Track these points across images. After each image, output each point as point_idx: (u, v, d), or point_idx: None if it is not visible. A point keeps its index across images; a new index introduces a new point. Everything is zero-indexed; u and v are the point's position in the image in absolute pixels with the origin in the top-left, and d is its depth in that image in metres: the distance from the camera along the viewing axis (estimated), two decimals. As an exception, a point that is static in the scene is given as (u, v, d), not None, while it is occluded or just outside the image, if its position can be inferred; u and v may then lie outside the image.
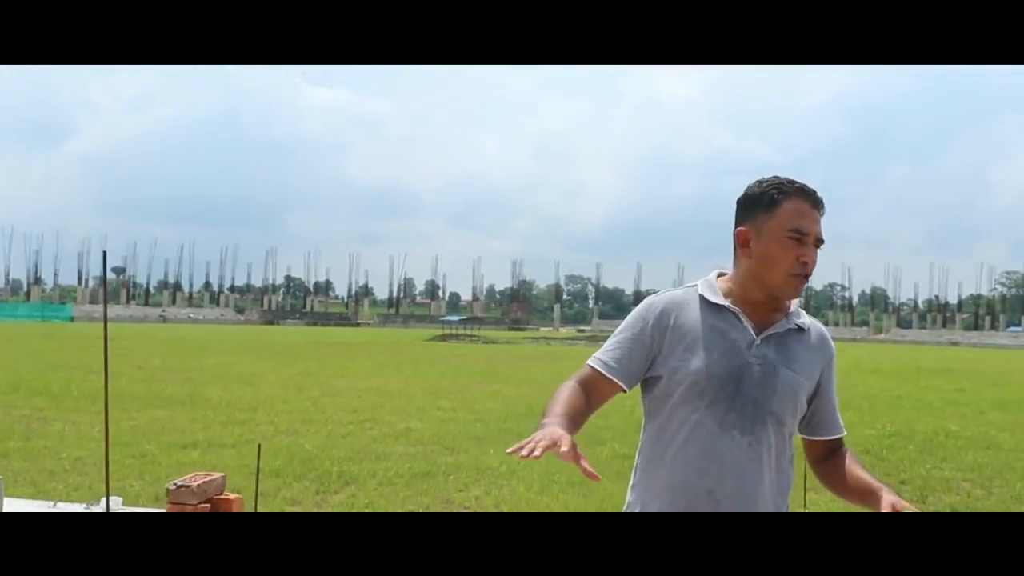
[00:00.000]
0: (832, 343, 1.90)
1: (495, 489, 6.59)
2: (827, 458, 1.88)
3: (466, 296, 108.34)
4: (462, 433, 9.44)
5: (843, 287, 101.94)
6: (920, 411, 13.00)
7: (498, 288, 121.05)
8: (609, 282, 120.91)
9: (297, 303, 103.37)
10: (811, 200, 1.77)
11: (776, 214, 1.75)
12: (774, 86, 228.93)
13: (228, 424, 9.63)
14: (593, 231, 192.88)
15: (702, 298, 1.82)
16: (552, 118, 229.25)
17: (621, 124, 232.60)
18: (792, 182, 1.78)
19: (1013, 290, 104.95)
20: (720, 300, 1.80)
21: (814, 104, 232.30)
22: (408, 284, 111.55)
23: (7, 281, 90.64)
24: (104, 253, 3.87)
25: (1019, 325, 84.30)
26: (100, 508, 4.40)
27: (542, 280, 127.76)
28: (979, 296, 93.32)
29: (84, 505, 5.00)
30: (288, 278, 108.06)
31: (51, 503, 5.12)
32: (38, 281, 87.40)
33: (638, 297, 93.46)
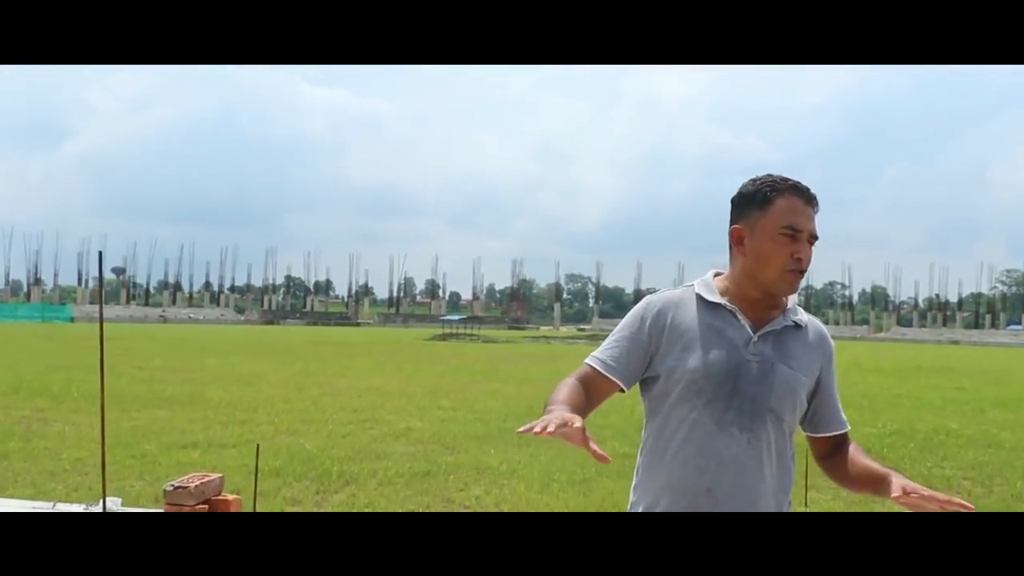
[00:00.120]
0: (830, 339, 1.90)
1: (495, 488, 6.59)
2: (833, 454, 1.88)
3: (466, 295, 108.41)
4: (462, 432, 9.43)
5: (843, 285, 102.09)
6: (921, 409, 12.99)
7: (498, 287, 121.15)
8: (609, 281, 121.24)
9: (297, 303, 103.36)
10: (804, 197, 1.77)
11: (770, 212, 1.76)
12: (773, 85, 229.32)
13: (228, 424, 9.63)
14: (593, 230, 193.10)
15: (699, 297, 1.82)
16: (552, 118, 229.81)
17: (620, 123, 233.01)
18: (785, 179, 1.79)
19: (1013, 288, 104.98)
20: (717, 299, 1.81)
21: (813, 103, 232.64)
22: (408, 284, 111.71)
23: (7, 282, 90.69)
24: (100, 253, 3.87)
25: (1019, 323, 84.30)
26: (99, 509, 4.39)
27: (542, 279, 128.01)
28: (979, 294, 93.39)
29: (83, 506, 4.99)
30: (288, 278, 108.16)
31: (50, 504, 5.12)
32: (38, 282, 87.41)
33: (638, 296, 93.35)
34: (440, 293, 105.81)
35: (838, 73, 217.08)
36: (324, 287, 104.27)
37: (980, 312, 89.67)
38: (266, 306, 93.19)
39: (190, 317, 79.43)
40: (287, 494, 6.20)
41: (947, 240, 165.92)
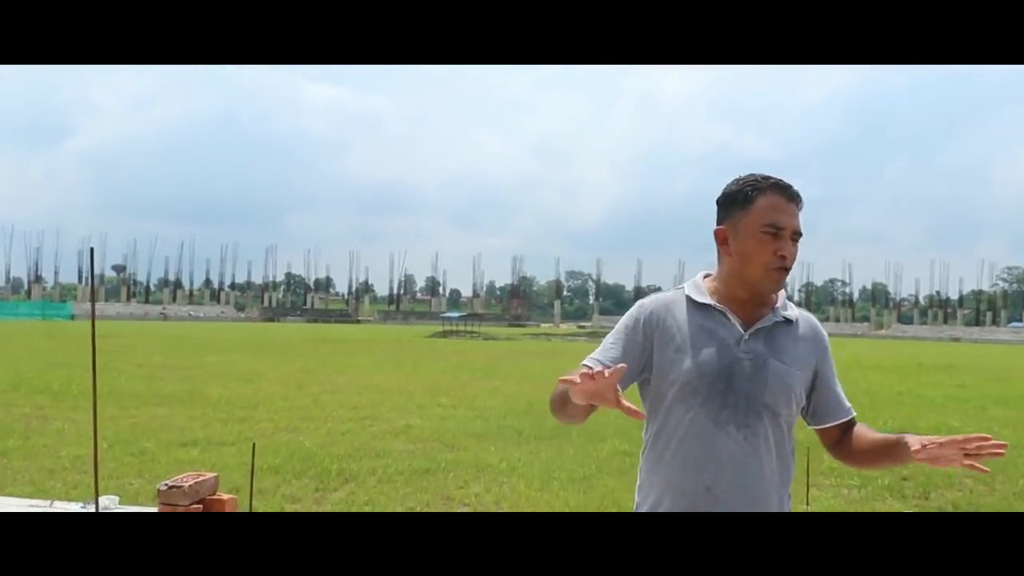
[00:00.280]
0: (823, 331, 1.92)
1: (495, 486, 6.58)
2: (843, 441, 1.89)
3: (467, 293, 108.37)
4: (462, 430, 9.43)
5: (844, 283, 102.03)
6: (922, 407, 12.98)
7: (498, 284, 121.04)
8: (610, 278, 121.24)
9: (298, 300, 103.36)
10: (786, 194, 1.78)
11: (751, 210, 1.77)
12: (774, 83, 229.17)
13: (228, 422, 9.62)
14: (593, 227, 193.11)
15: (689, 299, 1.84)
16: (552, 116, 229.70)
17: (620, 121, 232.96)
18: (767, 178, 1.79)
19: (1014, 286, 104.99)
20: (706, 299, 1.82)
21: (813, 100, 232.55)
22: (408, 281, 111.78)
23: (8, 279, 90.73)
24: (91, 250, 3.84)
25: (1020, 321, 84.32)
26: (95, 508, 4.38)
27: (542, 276, 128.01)
28: (980, 292, 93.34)
29: (80, 504, 4.99)
30: (288, 275, 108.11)
31: (48, 502, 5.12)
32: (39, 279, 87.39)
33: (639, 293, 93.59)
34: (440, 290, 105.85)
35: (839, 71, 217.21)
36: (324, 284, 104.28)
37: (981, 309, 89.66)
38: (266, 303, 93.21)
39: (190, 314, 79.44)
40: (286, 492, 6.19)
41: (948, 237, 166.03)
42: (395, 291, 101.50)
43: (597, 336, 47.31)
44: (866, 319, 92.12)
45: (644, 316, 1.84)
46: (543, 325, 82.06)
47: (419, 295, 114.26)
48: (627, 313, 1.89)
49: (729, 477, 1.73)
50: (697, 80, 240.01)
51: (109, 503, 4.89)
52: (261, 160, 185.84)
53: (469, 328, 53.36)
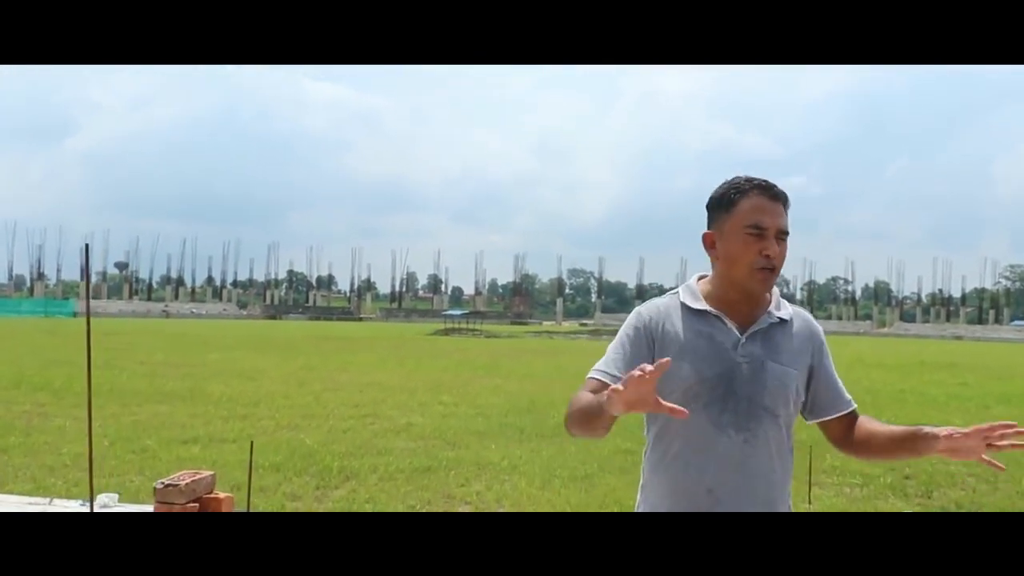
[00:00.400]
0: (818, 327, 1.93)
1: (496, 484, 6.57)
2: (847, 434, 1.89)
3: (468, 290, 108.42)
4: (463, 428, 9.42)
5: (846, 281, 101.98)
6: (924, 405, 12.96)
7: (500, 282, 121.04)
8: (612, 276, 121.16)
9: (299, 298, 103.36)
10: (769, 194, 1.79)
11: (734, 213, 1.78)
12: (774, 82, 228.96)
13: (229, 419, 9.63)
14: (595, 225, 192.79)
15: (683, 305, 1.85)
16: (552, 114, 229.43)
17: (622, 119, 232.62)
18: (751, 180, 1.81)
19: (1017, 284, 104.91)
20: (701, 305, 1.83)
21: (815, 98, 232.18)
22: (411, 278, 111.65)
23: (10, 277, 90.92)
24: (87, 246, 3.83)
25: (1023, 319, 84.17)
26: (96, 505, 4.38)
27: (544, 274, 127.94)
28: (983, 290, 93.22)
29: (80, 502, 4.99)
30: (290, 273, 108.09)
31: (47, 500, 5.12)
32: (41, 277, 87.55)
33: (640, 290, 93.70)
34: (442, 288, 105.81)
35: (839, 71, 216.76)
36: (326, 282, 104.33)
37: (983, 307, 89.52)
38: (268, 301, 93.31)
39: (192, 312, 79.57)
40: (287, 489, 6.19)
41: (950, 235, 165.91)
42: (397, 289, 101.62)
43: (599, 334, 47.39)
44: (868, 317, 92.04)
45: (644, 323, 1.84)
46: (545, 323, 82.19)
47: (421, 293, 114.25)
48: (626, 323, 1.89)
49: (730, 479, 1.75)
50: (697, 79, 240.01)
51: (108, 501, 4.90)
52: (262, 158, 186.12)
53: (471, 326, 53.42)
